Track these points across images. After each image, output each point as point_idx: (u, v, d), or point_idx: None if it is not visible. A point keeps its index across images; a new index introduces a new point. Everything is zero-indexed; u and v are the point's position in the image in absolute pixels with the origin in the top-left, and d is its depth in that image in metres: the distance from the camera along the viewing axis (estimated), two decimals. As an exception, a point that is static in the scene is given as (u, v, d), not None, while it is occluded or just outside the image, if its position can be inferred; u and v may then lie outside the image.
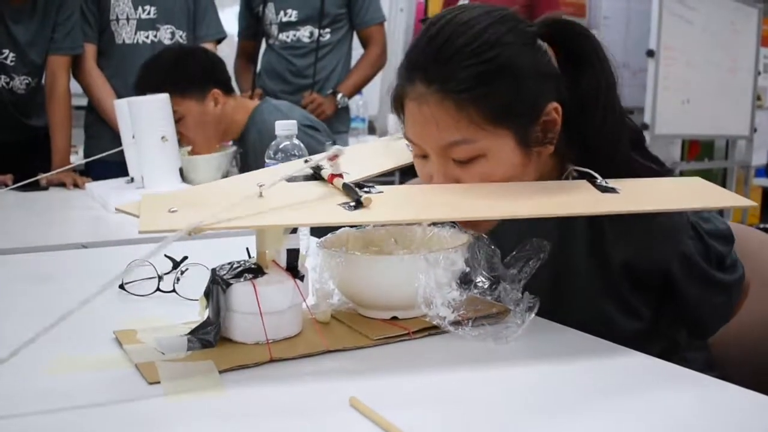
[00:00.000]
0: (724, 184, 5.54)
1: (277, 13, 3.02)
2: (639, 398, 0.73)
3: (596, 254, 1.00)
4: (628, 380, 0.79)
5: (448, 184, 0.97)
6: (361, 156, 1.06)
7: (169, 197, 0.89)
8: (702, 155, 5.64)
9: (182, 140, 2.27)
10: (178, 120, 2.21)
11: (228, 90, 2.31)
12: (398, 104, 1.02)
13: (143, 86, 2.22)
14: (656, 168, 1.03)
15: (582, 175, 0.99)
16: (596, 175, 0.97)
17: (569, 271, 1.00)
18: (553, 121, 0.97)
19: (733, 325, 1.06)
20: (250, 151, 2.30)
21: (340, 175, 0.93)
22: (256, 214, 0.82)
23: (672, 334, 1.05)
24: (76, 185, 2.44)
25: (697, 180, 1.02)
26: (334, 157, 0.92)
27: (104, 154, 2.23)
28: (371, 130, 4.66)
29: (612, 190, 0.94)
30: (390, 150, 1.20)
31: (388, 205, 0.88)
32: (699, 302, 1.01)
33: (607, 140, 0.98)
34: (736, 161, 5.48)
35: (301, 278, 0.88)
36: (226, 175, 2.24)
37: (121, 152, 2.23)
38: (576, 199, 0.93)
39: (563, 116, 0.98)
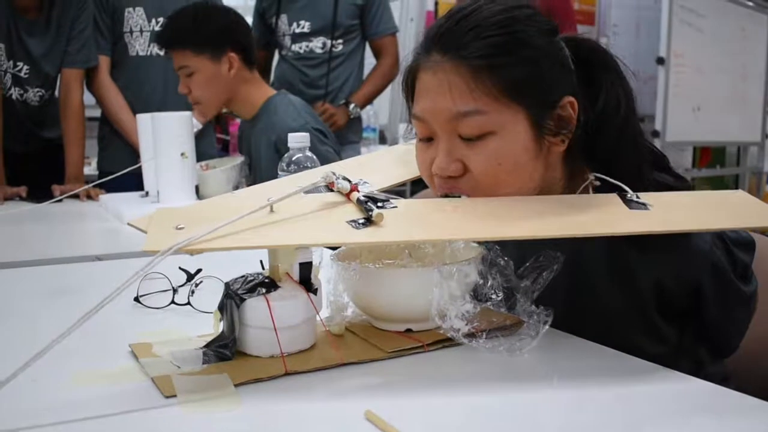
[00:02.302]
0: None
1: (290, 25, 3.03)
2: (655, 412, 0.73)
3: (619, 273, 0.97)
4: (643, 393, 0.78)
5: (466, 199, 0.95)
6: (381, 166, 1.05)
7: (181, 212, 0.89)
8: (713, 162, 5.62)
9: (188, 96, 2.25)
10: (189, 75, 2.19)
11: (248, 59, 2.24)
12: (409, 80, 1.00)
13: (163, 38, 2.23)
14: (676, 186, 1.01)
15: (605, 187, 0.96)
16: (627, 188, 0.94)
17: (587, 288, 0.98)
18: (569, 116, 0.96)
19: (747, 337, 1.05)
20: (257, 138, 2.27)
21: (357, 189, 0.92)
22: (261, 229, 0.82)
23: (695, 354, 1.03)
24: (89, 197, 2.45)
25: (739, 193, 0.99)
26: (332, 184, 0.92)
27: (124, 171, 2.24)
28: (382, 139, 4.67)
29: (643, 206, 0.91)
30: (408, 159, 1.19)
31: (400, 222, 0.87)
32: (723, 316, 0.99)
33: (624, 159, 0.97)
34: (748, 168, 5.46)
35: (315, 291, 0.88)
36: (237, 187, 2.25)
37: (136, 164, 2.24)
38: (605, 217, 0.90)
39: (577, 126, 0.96)
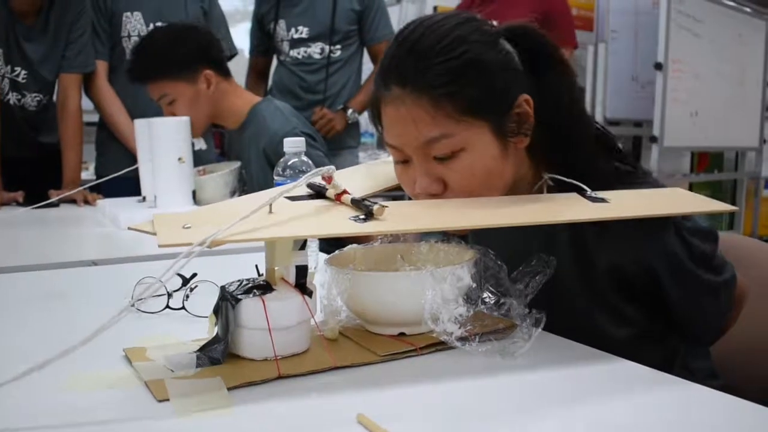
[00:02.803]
0: (734, 196, 5.54)
1: (288, 30, 3.04)
2: (642, 412, 0.73)
3: (579, 260, 1.02)
4: (634, 394, 0.79)
5: (453, 198, 1.00)
6: (350, 179, 1.08)
7: (181, 216, 0.90)
8: (711, 167, 5.62)
9: None
10: (170, 103, 2.19)
11: (222, 71, 2.23)
12: (376, 112, 1.05)
13: (134, 74, 2.20)
14: (624, 169, 1.06)
15: (559, 185, 1.03)
16: (584, 186, 1.00)
17: (554, 280, 1.00)
18: (526, 112, 1.01)
19: (736, 334, 1.06)
20: (245, 146, 2.26)
21: (346, 192, 0.94)
22: (272, 226, 0.83)
23: (669, 341, 1.06)
24: (86, 202, 2.46)
25: (677, 190, 1.07)
26: (329, 179, 0.93)
27: (120, 173, 2.25)
28: (380, 144, 4.67)
29: (602, 200, 0.98)
30: (375, 173, 1.22)
31: (398, 216, 0.90)
32: (686, 302, 1.02)
33: (575, 144, 1.02)
34: (745, 172, 5.47)
35: (310, 294, 0.89)
36: (234, 192, 2.25)
37: (134, 170, 2.24)
38: (572, 208, 0.97)
39: (535, 120, 1.01)
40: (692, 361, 1.06)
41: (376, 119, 1.05)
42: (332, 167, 0.95)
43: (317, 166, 1.04)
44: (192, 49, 2.19)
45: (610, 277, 1.01)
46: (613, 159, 1.07)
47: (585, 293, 1.03)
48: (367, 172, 1.27)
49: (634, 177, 1.06)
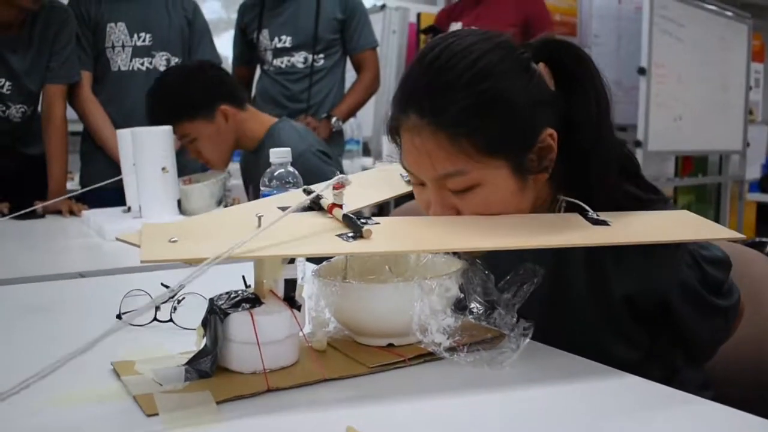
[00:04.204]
0: (718, 199, 5.57)
1: (272, 39, 3.04)
2: (635, 422, 0.74)
3: (595, 287, 0.99)
4: (624, 404, 0.79)
5: (443, 216, 0.99)
6: (359, 185, 1.07)
7: (169, 227, 0.90)
8: (696, 171, 5.65)
9: (198, 158, 2.29)
10: (191, 141, 2.22)
11: (237, 102, 2.25)
12: (395, 133, 1.02)
13: (153, 119, 2.22)
14: (644, 197, 1.03)
15: (572, 206, 0.99)
16: (587, 207, 0.97)
17: (565, 300, 1.00)
18: (549, 147, 0.98)
19: (729, 343, 1.07)
20: (261, 166, 2.28)
21: (340, 206, 0.94)
22: (261, 242, 0.83)
23: (669, 358, 1.05)
24: (72, 212, 2.44)
25: (685, 213, 1.04)
26: (340, 186, 0.93)
27: (104, 183, 2.24)
28: (366, 151, 4.67)
29: (603, 223, 0.95)
30: (386, 179, 1.21)
31: (387, 236, 0.89)
32: (697, 328, 1.01)
33: (595, 164, 0.99)
34: (729, 176, 5.50)
35: (298, 308, 0.89)
36: (220, 201, 2.25)
37: (119, 180, 2.23)
38: (568, 231, 0.94)
39: (558, 140, 0.98)
40: (685, 371, 1.06)
41: (395, 140, 1.02)
42: (347, 177, 0.95)
43: None
44: (205, 87, 2.21)
45: (624, 305, 0.99)
46: (632, 184, 1.04)
47: (597, 317, 1.00)
48: (380, 179, 1.25)
49: (650, 204, 1.03)
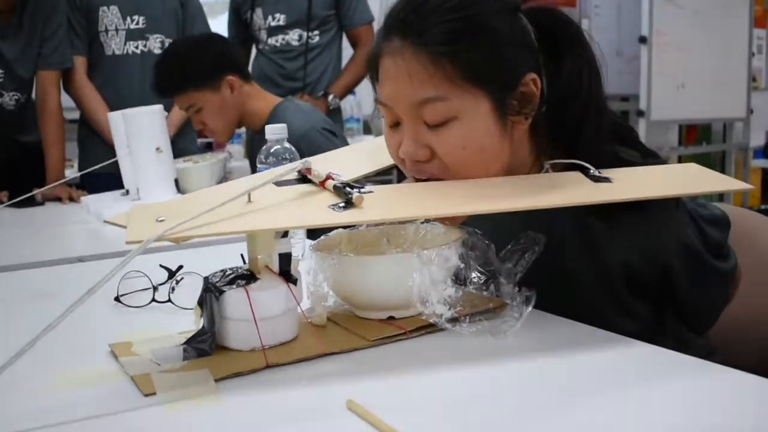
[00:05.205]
0: (723, 167, 5.54)
1: (265, 18, 3.01)
2: (641, 387, 0.72)
3: (588, 254, 0.97)
4: (630, 370, 0.78)
5: (433, 181, 0.95)
6: (345, 159, 1.05)
7: (159, 207, 0.88)
8: (699, 139, 5.62)
9: (203, 130, 2.29)
10: (198, 111, 2.21)
11: (244, 75, 2.26)
12: (374, 66, 0.99)
13: (160, 89, 2.24)
14: (640, 161, 1.00)
15: (567, 168, 0.96)
16: (588, 165, 0.94)
17: (558, 265, 0.97)
18: (531, 93, 0.95)
19: (731, 309, 1.05)
20: None
21: (331, 177, 0.92)
22: (241, 216, 0.81)
23: (676, 332, 1.03)
24: (71, 199, 2.43)
25: (692, 166, 1.01)
26: (308, 171, 0.91)
27: (98, 166, 2.23)
28: (366, 129, 4.64)
29: (606, 180, 0.92)
30: (372, 152, 1.19)
31: (379, 204, 0.87)
32: (697, 294, 0.99)
33: (587, 133, 0.96)
34: (733, 144, 5.47)
35: (294, 282, 0.87)
36: (221, 182, 2.23)
37: (116, 164, 2.22)
38: (571, 190, 0.91)
39: (542, 102, 0.96)
40: (690, 340, 1.04)
41: (373, 74, 1.00)
42: (308, 160, 0.93)
43: None
44: (212, 57, 2.22)
45: (621, 271, 0.96)
46: (631, 149, 1.01)
47: (594, 288, 0.98)
48: (366, 152, 1.22)
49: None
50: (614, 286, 0.98)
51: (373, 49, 0.99)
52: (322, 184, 0.91)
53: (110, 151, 2.57)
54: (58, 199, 2.45)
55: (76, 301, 0.72)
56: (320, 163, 0.95)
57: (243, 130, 2.55)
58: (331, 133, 2.22)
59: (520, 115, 0.96)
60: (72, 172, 2.98)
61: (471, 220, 0.96)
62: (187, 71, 2.19)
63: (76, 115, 2.84)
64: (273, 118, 2.24)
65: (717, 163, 5.65)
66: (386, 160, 1.07)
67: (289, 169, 0.93)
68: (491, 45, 0.93)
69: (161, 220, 0.81)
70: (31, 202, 2.28)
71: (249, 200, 0.85)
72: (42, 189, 2.32)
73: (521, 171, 1.00)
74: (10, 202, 2.19)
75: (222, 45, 2.32)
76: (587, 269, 0.98)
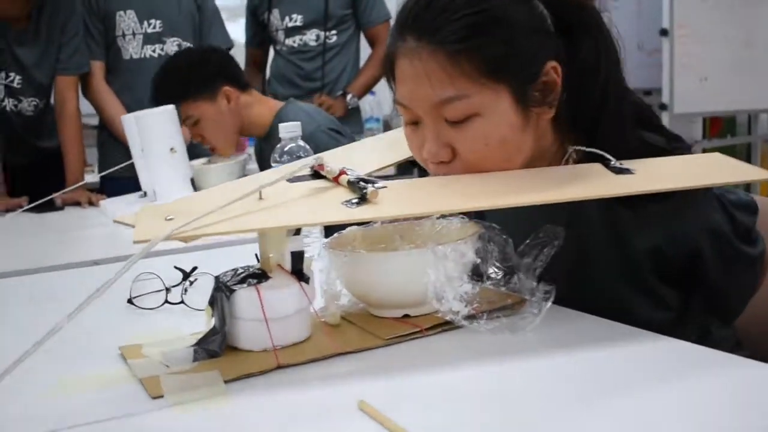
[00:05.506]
0: (748, 159, 5.45)
1: (283, 19, 3.00)
2: (665, 383, 0.69)
3: (616, 244, 0.95)
4: (653, 365, 0.75)
5: (451, 175, 0.93)
6: (363, 151, 1.03)
7: (169, 206, 0.87)
8: (724, 132, 5.54)
9: (203, 143, 2.28)
10: (195, 123, 2.21)
11: (241, 85, 2.25)
12: (389, 66, 0.97)
13: (157, 101, 2.22)
14: (665, 146, 0.97)
15: (589, 157, 0.93)
16: (609, 156, 0.91)
17: (585, 260, 0.95)
18: (553, 81, 0.92)
19: (757, 300, 1.02)
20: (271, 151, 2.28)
21: (345, 172, 0.89)
22: (251, 214, 0.79)
23: (703, 321, 1.00)
24: (91, 203, 2.44)
25: (716, 156, 0.97)
26: (320, 167, 0.89)
27: (113, 169, 2.24)
28: (386, 129, 4.62)
29: (627, 171, 0.89)
30: (397, 143, 1.16)
31: (394, 199, 0.84)
32: (726, 279, 0.96)
33: (607, 122, 0.93)
34: (759, 135, 5.38)
35: (306, 281, 0.85)
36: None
37: (134, 167, 2.22)
38: (592, 182, 0.88)
39: (563, 89, 0.93)
40: (716, 330, 1.01)
41: (389, 74, 0.98)
42: (321, 156, 0.91)
43: None
44: (209, 68, 2.22)
45: (650, 259, 0.94)
46: (654, 133, 0.98)
47: (621, 276, 0.95)
48: (385, 144, 1.20)
49: (673, 153, 0.96)
50: (642, 275, 0.95)
51: (388, 48, 0.97)
52: (335, 179, 0.89)
53: (130, 155, 2.58)
54: (78, 204, 2.45)
55: (81, 303, 0.71)
56: (339, 157, 0.93)
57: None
58: (337, 132, 2.21)
59: (543, 105, 0.93)
60: (93, 177, 2.99)
61: (492, 210, 0.93)
62: (183, 82, 2.20)
63: (95, 120, 2.85)
64: (276, 122, 2.22)
65: (743, 155, 5.56)
66: (405, 152, 1.04)
67: (301, 165, 0.91)
68: (509, 38, 0.90)
69: (170, 219, 0.80)
70: (50, 207, 2.29)
71: (260, 197, 0.83)
72: (61, 192, 2.32)
73: (545, 159, 0.97)
74: (30, 206, 2.20)
75: (221, 56, 2.32)
76: (614, 259, 0.95)
